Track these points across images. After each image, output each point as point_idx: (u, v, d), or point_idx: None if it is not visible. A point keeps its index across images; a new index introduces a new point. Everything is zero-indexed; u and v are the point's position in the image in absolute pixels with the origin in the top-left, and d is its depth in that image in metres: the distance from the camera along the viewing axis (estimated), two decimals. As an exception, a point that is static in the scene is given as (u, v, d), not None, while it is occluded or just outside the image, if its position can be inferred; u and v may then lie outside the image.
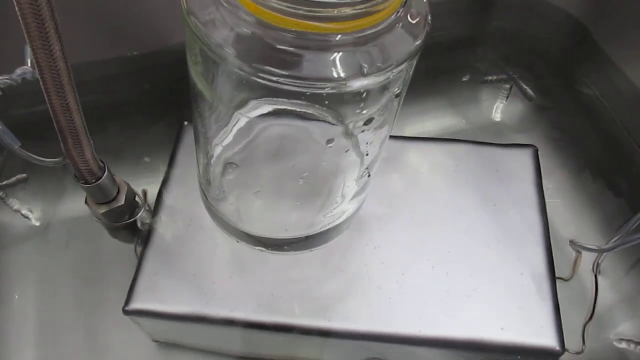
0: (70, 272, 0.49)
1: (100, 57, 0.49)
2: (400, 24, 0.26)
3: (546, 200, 0.44)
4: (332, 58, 0.25)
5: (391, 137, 0.46)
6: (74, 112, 0.34)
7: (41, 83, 0.32)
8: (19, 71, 0.37)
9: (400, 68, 0.26)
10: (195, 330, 0.41)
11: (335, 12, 0.23)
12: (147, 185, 0.48)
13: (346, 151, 0.33)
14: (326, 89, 0.25)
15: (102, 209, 0.42)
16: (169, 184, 0.45)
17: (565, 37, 0.57)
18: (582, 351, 0.41)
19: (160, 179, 0.45)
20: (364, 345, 0.39)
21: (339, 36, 0.24)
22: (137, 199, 0.45)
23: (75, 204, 0.52)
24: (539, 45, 0.59)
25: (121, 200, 0.42)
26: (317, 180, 0.37)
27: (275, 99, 0.28)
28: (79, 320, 0.47)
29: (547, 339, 0.38)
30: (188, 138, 0.47)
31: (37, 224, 0.52)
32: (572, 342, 0.40)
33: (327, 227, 0.39)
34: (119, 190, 0.42)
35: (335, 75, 0.25)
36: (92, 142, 0.37)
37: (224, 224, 0.41)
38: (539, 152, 0.47)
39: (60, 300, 0.48)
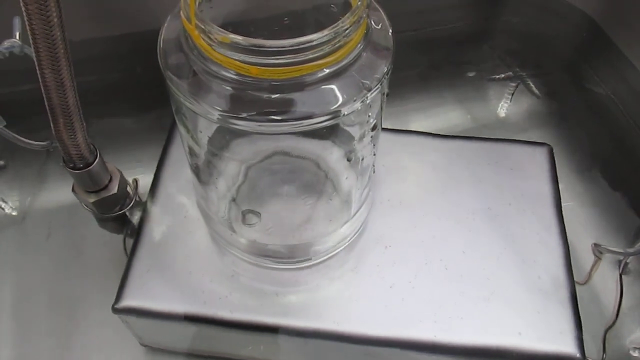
0: (50, 267, 0.45)
1: (90, 36, 0.46)
2: (372, 37, 0.28)
3: (561, 201, 0.42)
4: (332, 88, 0.26)
5: (402, 131, 0.44)
6: (68, 89, 0.31)
7: (34, 54, 0.29)
8: (6, 44, 0.34)
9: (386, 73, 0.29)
10: (190, 332, 0.38)
11: (314, 53, 0.24)
12: (138, 175, 0.45)
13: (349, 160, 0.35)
14: (343, 114, 0.27)
15: (92, 198, 0.39)
16: (163, 174, 0.42)
17: (576, 32, 0.55)
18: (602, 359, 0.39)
19: (153, 168, 0.42)
20: (374, 352, 0.36)
21: (327, 70, 0.26)
22: (128, 188, 0.42)
23: (57, 193, 0.48)
24: (548, 41, 0.57)
25: (113, 189, 0.39)
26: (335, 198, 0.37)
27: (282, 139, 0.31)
28: (59, 320, 0.43)
29: (566, 345, 0.36)
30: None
31: (14, 213, 0.49)
32: (590, 349, 0.39)
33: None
34: (111, 178, 0.39)
35: (342, 99, 0.26)
36: (84, 124, 0.34)
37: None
38: (553, 152, 0.45)
39: (39, 297, 0.44)
